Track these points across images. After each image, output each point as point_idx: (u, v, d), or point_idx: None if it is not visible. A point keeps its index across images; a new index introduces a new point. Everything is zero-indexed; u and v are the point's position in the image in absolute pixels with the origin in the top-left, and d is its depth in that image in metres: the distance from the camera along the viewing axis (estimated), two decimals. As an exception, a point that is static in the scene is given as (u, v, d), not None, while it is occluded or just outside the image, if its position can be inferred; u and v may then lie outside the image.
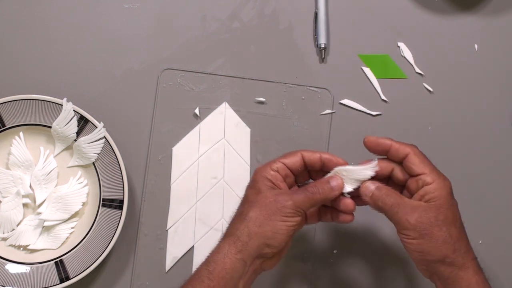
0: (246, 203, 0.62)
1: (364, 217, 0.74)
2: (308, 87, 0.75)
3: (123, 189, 0.70)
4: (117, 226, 0.69)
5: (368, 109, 0.75)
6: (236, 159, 0.74)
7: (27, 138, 0.72)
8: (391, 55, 0.76)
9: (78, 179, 0.72)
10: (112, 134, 0.73)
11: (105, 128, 0.70)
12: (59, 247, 0.71)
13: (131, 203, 0.72)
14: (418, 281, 0.74)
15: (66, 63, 0.75)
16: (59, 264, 0.70)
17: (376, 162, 0.63)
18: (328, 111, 0.75)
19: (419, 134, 0.75)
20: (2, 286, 0.69)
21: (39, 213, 0.71)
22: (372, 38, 0.76)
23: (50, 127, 0.71)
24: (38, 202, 0.72)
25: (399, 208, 0.60)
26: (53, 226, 0.72)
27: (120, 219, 0.70)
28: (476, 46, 0.76)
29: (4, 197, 0.72)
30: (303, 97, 0.75)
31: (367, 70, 0.75)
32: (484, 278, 0.60)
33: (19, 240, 0.71)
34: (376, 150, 0.64)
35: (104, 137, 0.71)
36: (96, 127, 0.71)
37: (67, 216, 0.71)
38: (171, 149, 0.74)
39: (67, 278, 0.69)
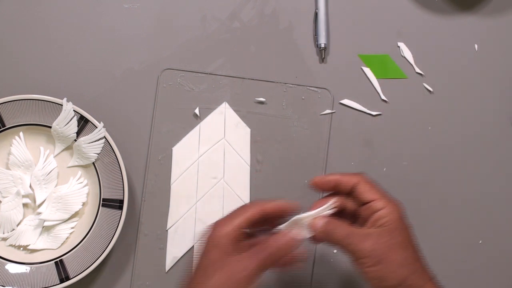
0: (209, 267, 0.57)
1: (364, 217, 0.74)
2: (308, 87, 0.75)
3: (123, 189, 0.70)
4: (117, 226, 0.69)
5: (368, 109, 0.75)
6: (236, 159, 0.74)
7: (27, 138, 0.72)
8: (391, 55, 0.76)
9: (78, 179, 0.72)
10: (112, 134, 0.73)
11: (105, 128, 0.70)
12: (59, 247, 0.71)
13: (131, 203, 0.72)
14: (418, 281, 0.74)
15: (66, 63, 0.75)
16: (59, 264, 0.70)
17: (332, 201, 0.61)
18: (328, 111, 0.75)
19: (419, 134, 0.75)
20: (2, 286, 0.69)
21: (39, 213, 0.71)
22: (372, 38, 0.76)
23: (50, 127, 0.71)
24: (38, 202, 0.72)
25: (351, 238, 0.59)
26: (53, 226, 0.72)
27: (120, 219, 0.70)
28: (476, 46, 0.76)
29: (4, 197, 0.72)
30: (303, 97, 0.75)
31: (367, 70, 0.75)
32: None
33: (19, 240, 0.71)
34: (325, 189, 0.63)
35: (104, 137, 0.70)
36: (96, 127, 0.71)
37: (67, 216, 0.71)
38: (171, 149, 0.74)
39: (67, 278, 0.69)
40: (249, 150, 0.74)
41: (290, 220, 0.61)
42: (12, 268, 0.70)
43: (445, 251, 0.74)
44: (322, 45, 0.75)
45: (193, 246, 0.73)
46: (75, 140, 0.71)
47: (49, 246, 0.71)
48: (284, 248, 0.59)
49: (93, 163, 0.71)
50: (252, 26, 0.76)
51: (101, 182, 0.71)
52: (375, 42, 0.76)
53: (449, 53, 0.76)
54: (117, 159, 0.70)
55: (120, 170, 0.70)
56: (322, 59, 0.75)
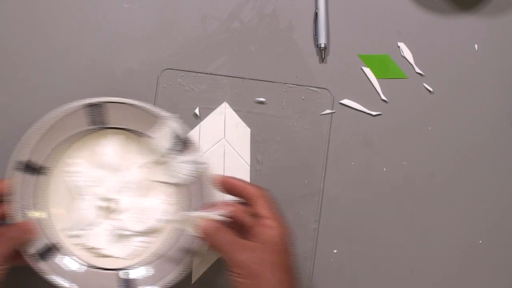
0: None
1: (364, 217, 0.74)
2: (308, 87, 0.75)
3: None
4: (191, 247, 0.66)
5: (368, 109, 0.75)
6: (236, 159, 0.74)
7: (123, 143, 0.70)
8: (391, 55, 0.76)
9: (166, 197, 0.70)
10: (112, 134, 0.73)
11: (202, 154, 0.68)
12: (127, 258, 0.69)
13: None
14: (419, 281, 0.74)
15: (66, 63, 0.75)
16: (122, 276, 0.68)
17: (226, 211, 0.63)
18: (328, 111, 0.75)
19: (419, 134, 0.75)
20: (63, 279, 0.66)
21: (116, 219, 0.70)
22: (372, 38, 0.76)
23: (147, 135, 0.68)
24: (117, 209, 0.70)
25: (231, 246, 0.60)
26: (126, 236, 0.70)
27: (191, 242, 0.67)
28: (476, 46, 0.76)
29: (83, 195, 0.70)
30: (303, 97, 0.75)
31: (367, 70, 0.75)
32: None
33: (89, 241, 0.69)
34: (228, 190, 0.65)
35: (200, 162, 0.67)
36: (193, 149, 0.67)
37: (143, 230, 0.69)
38: (171, 149, 0.74)
39: None
40: (249, 150, 0.74)
41: (181, 215, 0.64)
42: (72, 265, 0.68)
43: (445, 251, 0.74)
44: (322, 45, 0.75)
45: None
46: (169, 156, 0.69)
47: (117, 254, 0.69)
48: (20, 236, 0.63)
49: (186, 185, 0.68)
50: (252, 26, 0.76)
51: (185, 204, 0.68)
52: (375, 42, 0.76)
53: (449, 53, 0.76)
54: (206, 192, 0.67)
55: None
56: (322, 59, 0.75)
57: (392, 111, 0.75)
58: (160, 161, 0.70)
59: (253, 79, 0.75)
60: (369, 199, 0.74)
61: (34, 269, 0.65)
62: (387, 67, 0.75)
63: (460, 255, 0.74)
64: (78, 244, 0.69)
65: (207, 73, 0.75)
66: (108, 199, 0.70)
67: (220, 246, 0.61)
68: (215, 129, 0.74)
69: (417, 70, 0.75)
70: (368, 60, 0.75)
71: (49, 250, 0.67)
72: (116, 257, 0.69)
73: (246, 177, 0.74)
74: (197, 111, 0.74)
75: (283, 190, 0.73)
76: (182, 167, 0.68)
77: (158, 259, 0.68)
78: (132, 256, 0.69)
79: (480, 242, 0.74)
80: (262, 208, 0.62)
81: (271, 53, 0.75)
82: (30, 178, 0.67)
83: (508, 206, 0.75)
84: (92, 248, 0.69)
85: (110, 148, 0.70)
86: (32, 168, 0.67)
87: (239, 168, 0.74)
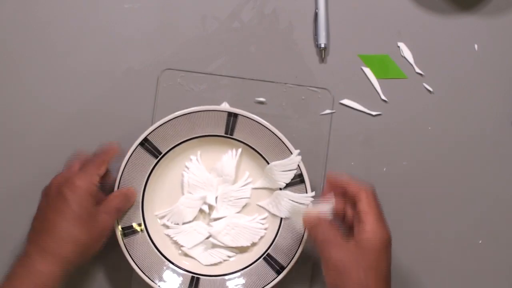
0: (74, 220, 0.63)
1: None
2: (308, 87, 0.75)
3: (292, 258, 0.68)
4: (265, 286, 0.68)
5: (368, 109, 0.75)
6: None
7: (243, 158, 0.72)
8: (391, 55, 0.76)
9: (262, 219, 0.72)
10: (112, 134, 0.73)
11: (300, 162, 0.70)
12: (206, 265, 0.71)
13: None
14: (418, 281, 0.74)
15: (66, 63, 0.75)
16: (194, 280, 0.70)
17: (331, 205, 0.65)
18: (328, 111, 0.75)
19: (419, 134, 0.75)
20: (132, 260, 0.69)
21: (211, 226, 0.71)
22: (372, 38, 0.76)
23: (268, 161, 0.71)
24: (214, 216, 0.71)
25: (329, 244, 0.62)
26: (214, 245, 0.71)
27: (271, 282, 0.68)
28: (476, 46, 0.76)
29: (188, 192, 0.71)
30: (303, 97, 0.75)
31: (367, 70, 0.75)
32: None
33: (178, 237, 0.71)
34: (333, 186, 0.66)
35: (307, 205, 0.69)
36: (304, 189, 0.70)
37: (232, 245, 0.71)
38: (172, 149, 0.74)
39: None
40: (249, 150, 0.74)
41: (292, 208, 0.69)
42: (153, 257, 0.70)
43: (445, 251, 0.74)
44: (322, 45, 0.75)
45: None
46: (268, 163, 0.71)
47: (199, 258, 0.71)
48: (125, 203, 0.68)
49: (281, 218, 0.70)
50: (252, 26, 0.76)
51: (276, 238, 0.70)
52: (375, 42, 0.76)
53: (449, 53, 0.76)
54: (304, 230, 0.68)
55: (300, 242, 0.69)
56: (322, 59, 0.75)
57: (392, 111, 0.75)
58: (270, 190, 0.72)
59: (253, 79, 0.75)
60: (369, 199, 0.74)
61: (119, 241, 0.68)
62: (387, 67, 0.75)
63: (460, 255, 0.74)
64: (167, 235, 0.71)
65: (207, 73, 0.75)
66: (210, 205, 0.71)
67: (320, 241, 0.62)
68: (216, 129, 0.75)
69: (417, 70, 0.75)
70: (368, 60, 0.75)
71: (135, 231, 0.70)
72: (196, 261, 0.71)
73: (246, 177, 0.74)
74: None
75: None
76: (289, 203, 0.70)
77: (236, 276, 0.70)
78: (212, 265, 0.71)
79: (480, 242, 0.74)
80: (363, 205, 0.63)
81: (271, 53, 0.75)
82: (149, 159, 0.70)
83: (508, 206, 0.75)
84: (179, 244, 0.71)
85: (230, 159, 0.71)
86: (154, 150, 0.70)
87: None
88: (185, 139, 0.70)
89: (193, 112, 0.70)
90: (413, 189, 0.74)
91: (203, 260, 0.71)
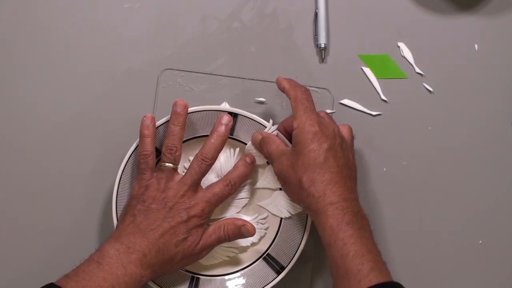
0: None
1: (364, 217, 0.74)
2: (308, 87, 0.75)
3: (292, 258, 0.68)
4: (265, 287, 0.68)
5: (368, 109, 0.75)
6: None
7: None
8: (391, 55, 0.76)
9: (262, 219, 0.71)
10: (112, 134, 0.73)
11: None
12: (206, 265, 0.71)
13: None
14: (419, 281, 0.74)
15: (66, 63, 0.75)
16: (194, 280, 0.70)
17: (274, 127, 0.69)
18: (328, 111, 0.75)
19: (419, 134, 0.75)
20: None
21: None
22: (372, 38, 0.76)
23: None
24: (213, 217, 0.71)
25: (273, 156, 0.65)
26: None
27: (271, 282, 0.68)
28: (476, 46, 0.76)
29: None
30: (303, 97, 0.75)
31: (367, 70, 0.75)
32: (342, 221, 0.59)
33: None
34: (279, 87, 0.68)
35: None
36: None
37: (232, 245, 0.71)
38: (171, 149, 0.74)
39: None
40: (249, 150, 0.74)
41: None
42: None
43: (445, 251, 0.74)
44: (322, 45, 0.75)
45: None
46: (268, 163, 0.70)
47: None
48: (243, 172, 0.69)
49: (281, 218, 0.70)
50: (252, 26, 0.76)
51: (276, 238, 0.70)
52: (375, 42, 0.76)
53: (449, 53, 0.76)
54: (304, 230, 0.69)
55: (300, 242, 0.69)
56: (322, 59, 0.75)
57: (392, 111, 0.75)
58: (271, 190, 0.71)
59: (253, 79, 0.75)
60: (369, 199, 0.74)
61: None
62: (387, 67, 0.75)
63: (460, 255, 0.74)
64: None
65: (207, 73, 0.75)
66: None
67: (266, 155, 0.66)
68: (215, 129, 0.74)
69: (417, 70, 0.75)
70: (368, 60, 0.75)
71: None
72: (197, 261, 0.70)
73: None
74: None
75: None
76: (289, 203, 0.69)
77: (236, 276, 0.70)
78: (213, 265, 0.71)
79: (480, 242, 0.74)
80: (293, 110, 0.65)
81: (271, 53, 0.75)
82: None
83: (508, 206, 0.74)
84: None
85: (229, 159, 0.71)
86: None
87: None
88: (185, 139, 0.70)
89: (193, 112, 0.69)
90: (413, 189, 0.74)
91: (203, 260, 0.71)
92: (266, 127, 0.70)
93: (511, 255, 0.74)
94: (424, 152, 0.75)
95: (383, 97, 0.75)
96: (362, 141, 0.74)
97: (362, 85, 0.75)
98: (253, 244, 0.71)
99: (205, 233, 0.66)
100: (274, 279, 0.68)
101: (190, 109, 0.69)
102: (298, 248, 0.69)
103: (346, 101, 0.75)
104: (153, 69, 0.75)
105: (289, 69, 0.75)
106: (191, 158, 0.71)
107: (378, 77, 0.75)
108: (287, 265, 0.69)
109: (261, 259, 0.70)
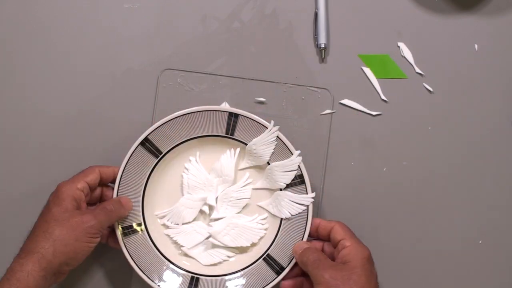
0: (51, 220, 0.64)
1: (364, 217, 0.74)
2: (308, 87, 0.75)
3: (292, 259, 0.68)
4: (262, 284, 0.68)
5: (368, 109, 0.75)
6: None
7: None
8: (391, 55, 0.76)
9: (262, 219, 0.72)
10: (112, 134, 0.73)
11: (301, 163, 0.70)
12: (206, 265, 0.71)
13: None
14: (418, 281, 0.74)
15: (66, 63, 0.75)
16: (194, 280, 0.70)
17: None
18: (328, 111, 0.75)
19: (419, 134, 0.75)
20: (132, 259, 0.69)
21: (211, 226, 0.71)
22: (372, 38, 0.76)
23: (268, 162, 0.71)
24: (214, 216, 0.72)
25: (319, 263, 0.64)
26: (214, 245, 0.71)
27: (271, 283, 0.68)
28: (476, 46, 0.76)
29: (188, 193, 0.72)
30: (303, 97, 0.75)
31: (367, 70, 0.75)
32: None
33: (178, 237, 0.71)
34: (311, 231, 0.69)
35: (307, 206, 0.69)
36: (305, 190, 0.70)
37: (232, 245, 0.71)
38: (171, 149, 0.74)
39: None
40: (249, 150, 0.74)
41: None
42: (153, 256, 0.70)
43: (445, 251, 0.74)
44: (322, 45, 0.75)
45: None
46: (268, 164, 0.71)
47: (199, 258, 0.71)
48: (121, 209, 0.68)
49: (281, 219, 0.70)
50: (252, 26, 0.76)
51: (276, 239, 0.70)
52: (375, 42, 0.76)
53: (449, 53, 0.76)
54: (305, 231, 0.69)
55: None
56: (322, 59, 0.75)
57: (392, 111, 0.75)
58: (271, 190, 0.72)
59: (253, 79, 0.75)
60: (369, 199, 0.74)
61: (114, 245, 0.69)
62: (387, 67, 0.75)
63: (460, 255, 0.74)
64: (167, 235, 0.71)
65: (207, 73, 0.75)
66: (209, 205, 0.72)
67: (311, 263, 0.65)
68: (216, 129, 0.74)
69: (417, 70, 0.75)
70: (368, 60, 0.75)
71: (135, 231, 0.70)
72: (196, 261, 0.71)
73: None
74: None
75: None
76: (289, 204, 0.70)
77: (235, 276, 0.70)
78: (212, 265, 0.71)
79: (480, 242, 0.74)
80: (338, 233, 0.66)
81: (271, 53, 0.75)
82: (149, 158, 0.70)
83: (508, 206, 0.75)
84: (179, 244, 0.71)
85: (229, 159, 0.71)
86: (154, 150, 0.70)
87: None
88: (186, 139, 0.70)
89: (195, 112, 0.70)
90: (413, 189, 0.74)
91: (203, 260, 0.71)
92: (267, 128, 0.70)
93: (511, 255, 0.74)
94: (424, 152, 0.75)
95: (383, 97, 0.75)
96: (362, 141, 0.75)
97: (362, 85, 0.75)
98: (253, 244, 0.71)
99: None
100: (274, 280, 0.68)
101: (190, 109, 0.69)
102: None
103: (346, 101, 0.75)
104: (153, 69, 0.75)
105: (289, 69, 0.75)
106: (192, 158, 0.71)
107: (378, 77, 0.75)
108: (287, 266, 0.69)
109: (261, 259, 0.70)
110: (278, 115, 0.74)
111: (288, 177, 0.70)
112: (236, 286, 0.70)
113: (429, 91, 0.75)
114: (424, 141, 0.75)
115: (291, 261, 0.69)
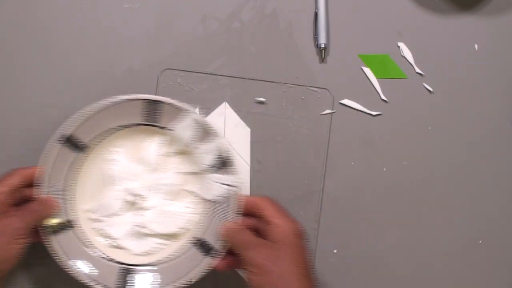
0: None
1: (364, 217, 0.74)
2: (308, 87, 0.75)
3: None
4: (199, 271, 0.68)
5: (368, 109, 0.75)
6: (236, 159, 0.74)
7: (167, 145, 0.71)
8: (391, 55, 0.76)
9: (192, 204, 0.71)
10: (112, 134, 0.73)
11: (226, 144, 0.69)
12: (139, 255, 0.70)
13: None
14: (418, 281, 0.74)
15: (66, 63, 0.75)
16: (128, 270, 0.69)
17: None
18: (328, 111, 0.75)
19: (419, 134, 0.75)
20: (66, 256, 0.68)
21: (140, 216, 0.71)
22: (372, 38, 0.76)
23: (192, 145, 0.70)
24: (143, 206, 0.71)
25: (247, 243, 0.64)
26: (145, 234, 0.71)
27: (204, 267, 0.68)
28: (476, 46, 0.76)
29: (114, 185, 0.71)
30: (303, 97, 0.75)
31: (367, 70, 0.75)
32: None
33: (108, 229, 0.71)
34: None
35: (235, 187, 0.69)
36: (232, 170, 0.69)
37: (163, 232, 0.71)
38: (171, 149, 0.74)
39: (123, 285, 0.68)
40: (249, 150, 0.74)
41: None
42: (84, 249, 0.69)
43: (445, 251, 0.74)
44: (322, 45, 0.75)
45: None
46: (193, 148, 0.70)
47: (131, 248, 0.71)
48: (47, 208, 0.67)
49: (211, 200, 0.70)
50: (252, 26, 0.76)
51: (207, 222, 0.70)
52: (375, 42, 0.76)
53: (449, 53, 0.76)
54: (233, 210, 0.68)
55: None
56: (322, 59, 0.75)
57: (392, 111, 0.75)
58: (198, 175, 0.71)
59: (253, 79, 0.75)
60: (369, 199, 0.74)
61: (45, 243, 0.67)
62: (387, 67, 0.75)
63: (460, 255, 0.74)
64: (96, 228, 0.71)
65: (207, 73, 0.75)
66: (137, 195, 0.71)
67: (238, 243, 0.65)
68: (215, 129, 0.75)
69: (417, 70, 0.75)
70: (368, 60, 0.75)
71: (64, 227, 0.69)
72: (129, 252, 0.71)
73: (246, 177, 0.74)
74: (197, 111, 0.74)
75: (283, 190, 0.74)
76: (218, 186, 0.69)
77: (169, 263, 0.69)
78: (145, 254, 0.70)
79: (480, 242, 0.74)
80: (269, 211, 0.65)
81: (271, 53, 0.75)
82: (69, 153, 0.69)
83: (508, 206, 0.75)
84: (109, 236, 0.71)
85: (153, 146, 0.71)
86: (74, 144, 0.69)
87: (239, 168, 0.74)
88: (108, 129, 0.70)
89: (112, 103, 0.68)
90: (413, 189, 0.74)
91: (135, 250, 0.70)
92: (189, 112, 0.68)
93: (511, 255, 0.74)
94: (424, 152, 0.75)
95: (383, 97, 0.75)
96: (362, 141, 0.75)
97: (362, 85, 0.75)
98: (185, 229, 0.71)
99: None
100: (208, 263, 0.68)
101: (107, 101, 0.68)
102: None
103: (346, 101, 0.75)
104: (153, 69, 0.75)
105: (289, 69, 0.75)
106: (115, 149, 0.71)
107: (378, 77, 0.75)
108: (220, 248, 0.68)
109: (194, 243, 0.70)
110: (278, 115, 0.74)
111: (215, 159, 0.69)
112: (171, 271, 0.69)
113: (429, 91, 0.75)
114: (424, 141, 0.75)
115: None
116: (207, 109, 0.74)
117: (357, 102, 0.75)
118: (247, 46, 0.76)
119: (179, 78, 0.75)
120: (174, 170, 0.72)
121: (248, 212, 0.68)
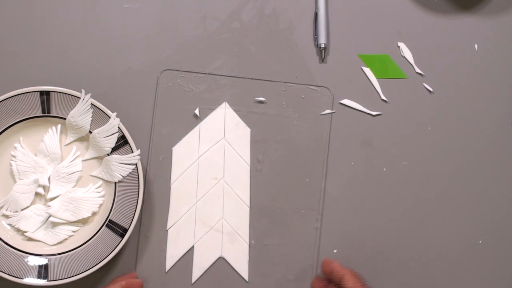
0: None
1: (364, 217, 0.74)
2: (308, 86, 0.75)
3: (132, 219, 0.70)
4: (112, 251, 0.70)
5: (368, 109, 0.75)
6: (236, 159, 0.74)
7: (63, 133, 0.73)
8: (391, 55, 0.76)
9: (97, 187, 0.73)
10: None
11: (119, 121, 0.71)
12: (54, 244, 0.72)
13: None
14: (418, 281, 0.74)
15: (65, 63, 0.75)
16: (45, 261, 0.70)
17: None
18: (328, 111, 0.75)
19: (419, 134, 0.75)
20: None
21: (49, 206, 0.72)
22: (372, 38, 0.76)
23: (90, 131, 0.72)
24: (50, 196, 0.72)
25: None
26: (56, 224, 0.72)
27: (117, 246, 0.70)
28: (476, 46, 0.76)
29: (20, 179, 0.72)
30: (303, 96, 0.75)
31: (367, 70, 0.75)
32: None
33: (19, 224, 0.72)
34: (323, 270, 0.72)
35: (136, 165, 0.70)
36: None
37: (73, 219, 0.72)
38: (171, 150, 0.74)
39: (45, 277, 0.69)
40: (249, 150, 0.74)
41: None
42: (2, 247, 0.70)
43: (445, 251, 0.74)
44: (322, 45, 0.75)
45: (193, 246, 0.73)
46: (91, 133, 0.72)
47: (45, 240, 0.72)
48: None
49: (115, 183, 0.71)
50: (252, 26, 0.76)
51: (114, 203, 0.71)
52: (375, 42, 0.76)
53: (449, 53, 0.76)
54: (139, 191, 0.70)
55: (137, 202, 0.70)
56: (322, 59, 0.75)
57: (392, 111, 0.75)
58: (99, 158, 0.73)
59: (253, 79, 0.75)
60: (369, 199, 0.74)
61: None
62: (387, 67, 0.75)
63: (460, 255, 0.74)
64: (7, 224, 0.72)
65: (207, 73, 0.75)
66: (43, 186, 0.72)
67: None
68: (215, 129, 0.74)
69: (417, 70, 0.75)
70: (368, 60, 0.75)
71: None
72: (42, 243, 0.72)
73: (246, 177, 0.74)
74: (197, 111, 0.74)
75: (283, 189, 0.74)
76: (118, 166, 0.71)
77: (84, 247, 0.71)
78: (60, 243, 0.72)
79: (480, 242, 0.74)
80: (349, 282, 0.67)
81: (271, 53, 0.75)
82: None
83: (508, 206, 0.75)
84: (22, 230, 0.72)
85: (55, 137, 0.72)
86: None
87: (239, 168, 0.74)
88: (7, 126, 0.71)
89: (3, 99, 0.70)
90: (413, 189, 0.74)
91: (49, 241, 0.72)
92: (80, 98, 0.70)
93: (511, 255, 0.74)
94: (424, 152, 0.75)
95: (383, 97, 0.75)
96: (362, 141, 0.75)
97: (362, 85, 0.75)
98: (94, 214, 0.72)
99: None
100: (119, 242, 0.70)
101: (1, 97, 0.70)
102: (136, 208, 0.70)
103: (346, 101, 0.75)
104: (153, 70, 0.75)
105: (289, 69, 0.75)
106: (16, 144, 0.72)
107: (378, 77, 0.75)
108: (129, 227, 0.70)
109: (104, 226, 0.71)
110: (278, 114, 0.74)
111: (112, 141, 0.71)
112: (87, 256, 0.70)
113: (429, 91, 0.75)
114: (424, 141, 0.75)
115: (131, 221, 0.70)
116: (207, 109, 0.74)
117: (357, 102, 0.75)
118: (247, 46, 0.75)
119: (178, 78, 0.75)
120: (78, 158, 0.73)
121: (332, 280, 0.70)
